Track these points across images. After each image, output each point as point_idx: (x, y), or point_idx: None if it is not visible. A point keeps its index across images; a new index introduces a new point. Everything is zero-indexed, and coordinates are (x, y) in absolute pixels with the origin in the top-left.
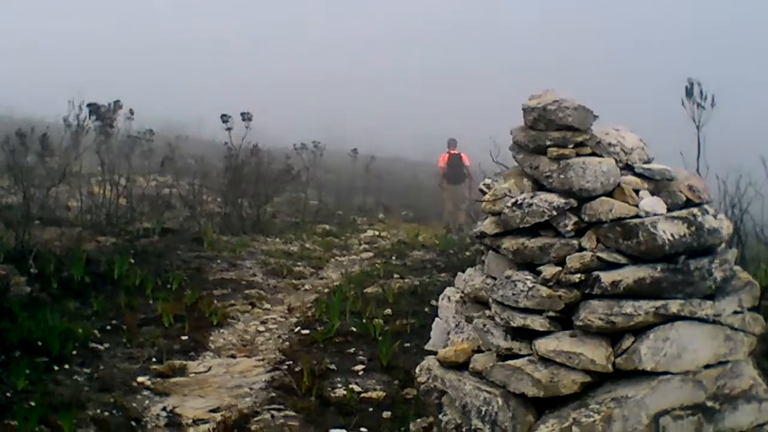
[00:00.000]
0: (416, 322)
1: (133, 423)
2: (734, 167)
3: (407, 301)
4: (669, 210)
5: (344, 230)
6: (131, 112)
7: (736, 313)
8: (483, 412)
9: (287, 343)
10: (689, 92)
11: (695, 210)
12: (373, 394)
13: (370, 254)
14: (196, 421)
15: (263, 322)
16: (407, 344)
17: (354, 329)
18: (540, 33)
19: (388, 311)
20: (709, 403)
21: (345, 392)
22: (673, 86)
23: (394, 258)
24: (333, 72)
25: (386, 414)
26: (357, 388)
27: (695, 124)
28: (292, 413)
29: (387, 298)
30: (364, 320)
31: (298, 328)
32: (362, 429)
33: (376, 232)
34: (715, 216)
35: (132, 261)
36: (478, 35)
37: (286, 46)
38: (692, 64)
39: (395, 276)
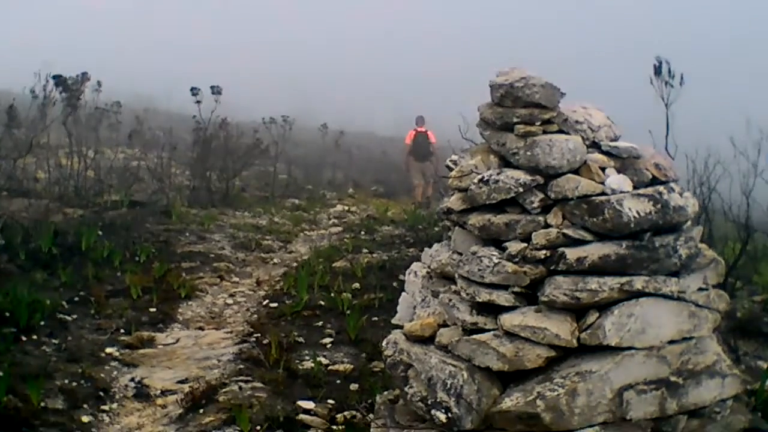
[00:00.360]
0: (384, 297)
1: (101, 393)
2: (703, 146)
3: (376, 275)
4: (635, 188)
5: (313, 205)
6: (99, 84)
7: (700, 290)
8: (448, 385)
9: (255, 316)
10: (658, 71)
11: (661, 188)
12: (341, 367)
13: (339, 229)
14: (164, 392)
15: (232, 295)
16: (375, 318)
17: (322, 303)
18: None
19: (357, 285)
20: (673, 378)
21: (313, 365)
22: (643, 65)
23: (363, 233)
24: (304, 46)
25: (353, 386)
26: (325, 361)
27: (664, 102)
28: (260, 385)
29: (355, 273)
30: (332, 294)
31: (267, 301)
32: (329, 401)
33: (346, 207)
34: (681, 194)
35: (100, 233)
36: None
37: (258, 18)
38: (660, 42)
39: (364, 251)
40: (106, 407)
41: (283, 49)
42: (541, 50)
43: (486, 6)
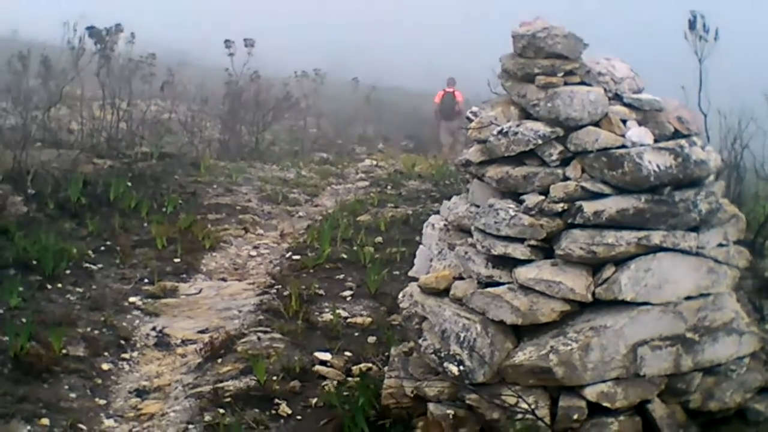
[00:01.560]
0: (407, 251)
1: (123, 341)
2: (737, 103)
3: (399, 229)
4: (656, 141)
5: (342, 159)
6: (132, 36)
7: (720, 245)
8: (462, 338)
9: (278, 268)
10: (692, 25)
11: (683, 141)
12: (360, 320)
13: (366, 183)
14: (185, 341)
15: (255, 247)
16: (396, 272)
17: (344, 256)
18: None
19: (380, 239)
20: (689, 335)
21: (332, 317)
22: (679, 18)
23: (389, 187)
24: (337, 1)
25: (371, 339)
26: (344, 314)
27: (698, 57)
28: (279, 336)
29: (379, 227)
30: (354, 248)
31: (290, 253)
32: (346, 353)
33: (374, 162)
34: (702, 148)
35: (129, 184)
36: None
37: None
38: None
39: (389, 205)
40: (126, 355)
41: (320, 10)
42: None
43: None
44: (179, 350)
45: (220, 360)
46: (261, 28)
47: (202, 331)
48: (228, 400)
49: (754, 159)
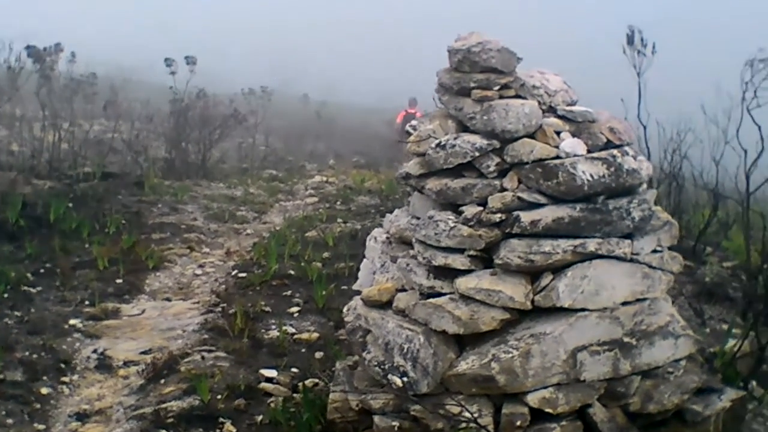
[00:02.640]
0: (354, 265)
1: (62, 365)
2: (675, 114)
3: (347, 244)
4: (589, 151)
5: (292, 176)
6: (73, 54)
7: (654, 251)
8: (405, 350)
9: (223, 286)
10: (630, 39)
11: (615, 151)
12: (307, 336)
13: (316, 199)
14: (127, 363)
15: (201, 266)
16: (344, 287)
17: (292, 272)
18: None
19: (328, 255)
20: (626, 339)
21: (278, 334)
22: (616, 31)
23: (338, 203)
24: (287, 16)
25: (318, 354)
26: (291, 330)
27: (636, 71)
28: (223, 354)
29: (327, 242)
30: (302, 264)
31: (236, 271)
32: (293, 369)
33: (324, 178)
34: (634, 157)
35: (70, 205)
36: None
37: None
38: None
39: (338, 220)
40: (66, 379)
41: (264, 20)
42: (524, 26)
43: None
44: (121, 372)
45: (163, 380)
46: (207, 45)
47: (144, 352)
48: (171, 420)
49: (693, 168)
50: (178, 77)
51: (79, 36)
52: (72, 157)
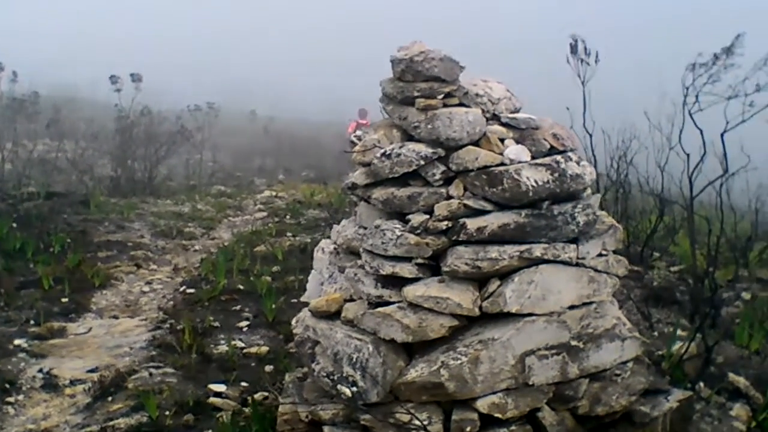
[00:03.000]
0: (304, 279)
1: (7, 385)
2: (619, 121)
3: (297, 258)
4: (533, 158)
5: (240, 192)
6: (14, 74)
7: (600, 255)
8: (354, 359)
9: (171, 302)
10: (573, 49)
11: (558, 157)
12: (256, 350)
13: (264, 214)
14: (73, 382)
15: (148, 283)
16: (294, 300)
17: (241, 287)
18: None
19: (277, 268)
20: (574, 343)
21: (227, 348)
22: (559, 42)
23: (288, 217)
24: (234, 32)
25: (268, 368)
26: (240, 344)
27: (580, 80)
28: (172, 370)
29: (276, 256)
30: (251, 278)
31: (184, 287)
32: (243, 383)
33: (273, 193)
34: (578, 162)
35: (14, 225)
36: None
37: (187, 5)
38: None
39: (288, 234)
40: (11, 399)
41: (211, 38)
42: (467, 33)
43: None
44: (68, 391)
45: (110, 398)
46: (153, 63)
47: (91, 371)
48: None
49: (639, 175)
50: (124, 95)
51: (20, 55)
52: (16, 178)
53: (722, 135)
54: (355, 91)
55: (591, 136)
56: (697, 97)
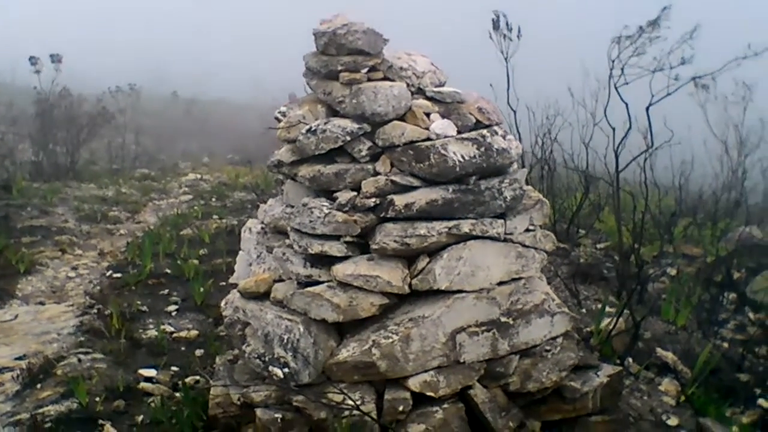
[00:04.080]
0: (232, 261)
1: None
2: (544, 97)
3: (224, 240)
4: (459, 132)
5: (165, 175)
6: None
7: (527, 231)
8: (285, 340)
9: (98, 287)
10: (496, 25)
11: (484, 131)
12: (186, 334)
13: (190, 197)
14: (1, 369)
15: (74, 268)
16: (222, 283)
17: (168, 271)
18: None
19: (204, 251)
20: (504, 319)
21: (156, 333)
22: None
23: (213, 200)
24: (155, 13)
25: (199, 352)
26: (169, 329)
27: (503, 55)
28: (101, 356)
29: (203, 239)
30: (178, 261)
31: (110, 272)
32: (173, 368)
33: (199, 176)
34: (504, 137)
35: None
36: None
37: None
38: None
39: (214, 217)
40: None
41: (131, 17)
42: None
43: None
44: None
45: (39, 385)
46: (72, 44)
47: (19, 358)
48: (49, 425)
49: (563, 152)
50: (44, 77)
51: None
52: None
53: (647, 109)
54: (277, 69)
55: (515, 112)
56: (622, 70)
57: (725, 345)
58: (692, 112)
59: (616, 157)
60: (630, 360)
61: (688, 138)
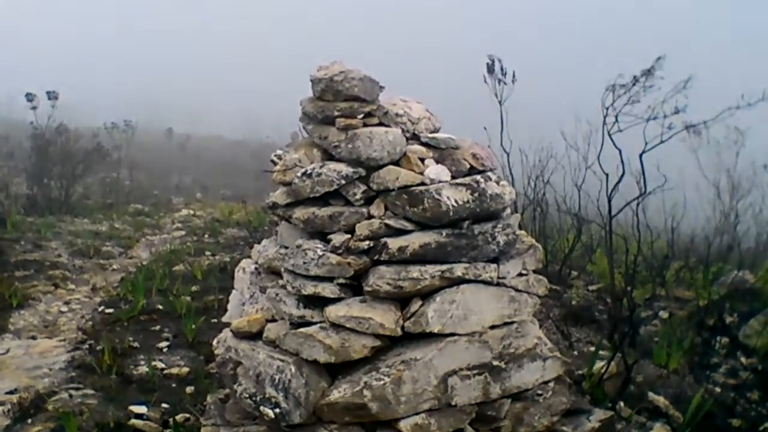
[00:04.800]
0: (224, 298)
1: None
2: (537, 141)
3: (216, 277)
4: (453, 177)
5: (158, 210)
6: None
7: (520, 275)
8: (276, 380)
9: (90, 322)
10: (490, 69)
11: (478, 177)
12: (177, 370)
13: (183, 233)
14: None
15: (66, 303)
16: (214, 320)
17: (160, 307)
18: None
19: (196, 288)
20: (496, 363)
21: (147, 369)
22: (477, 67)
23: (206, 236)
24: (149, 49)
25: (189, 389)
26: (160, 365)
27: (497, 99)
28: (92, 392)
29: (196, 275)
30: (170, 298)
31: (102, 307)
32: (163, 404)
33: (192, 212)
34: (497, 182)
35: None
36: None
37: (98, 20)
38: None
39: (207, 253)
40: None
41: (128, 54)
42: (385, 52)
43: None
44: None
45: (29, 420)
46: (68, 80)
47: (10, 392)
48: None
49: (556, 194)
50: (40, 112)
51: None
52: None
53: (641, 156)
54: (271, 110)
55: (508, 154)
56: (616, 117)
57: (717, 389)
58: (685, 156)
59: (609, 202)
60: (621, 404)
61: (680, 182)
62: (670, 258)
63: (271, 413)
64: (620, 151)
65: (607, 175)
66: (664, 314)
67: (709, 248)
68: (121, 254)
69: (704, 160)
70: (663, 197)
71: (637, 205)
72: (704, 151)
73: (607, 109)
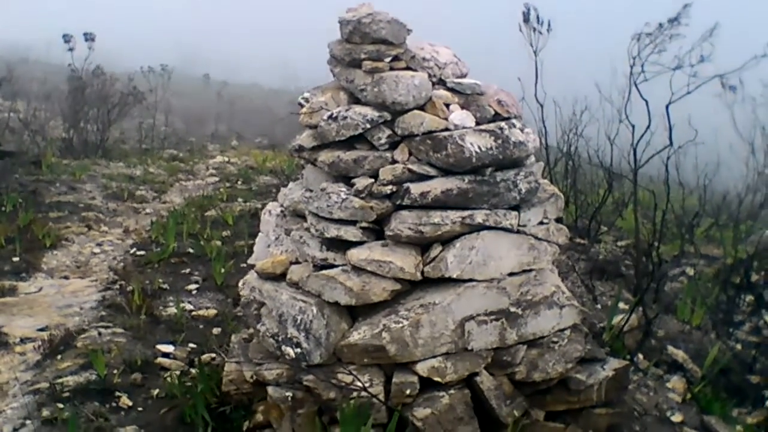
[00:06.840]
0: (254, 243)
1: None
2: (571, 93)
3: (247, 223)
4: (478, 123)
5: (193, 156)
6: None
7: (541, 223)
8: (298, 321)
9: (121, 264)
10: (526, 17)
11: (503, 123)
12: (205, 312)
13: (216, 179)
14: (24, 340)
15: (99, 244)
16: (243, 264)
17: (191, 250)
18: None
19: (227, 233)
20: (513, 309)
21: (176, 310)
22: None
23: (239, 183)
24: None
25: (216, 330)
26: (189, 307)
27: (533, 49)
28: (121, 330)
29: (227, 221)
30: (201, 242)
31: (134, 249)
32: (190, 344)
33: (226, 159)
34: (522, 130)
35: None
36: None
37: None
38: None
39: (239, 200)
40: None
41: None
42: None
43: None
44: (18, 348)
45: (59, 356)
46: (106, 23)
47: (42, 329)
48: (67, 395)
49: (588, 147)
50: (77, 55)
51: None
52: None
53: (667, 107)
54: (308, 60)
55: (542, 107)
56: (642, 67)
57: (738, 346)
58: (720, 114)
59: (635, 153)
60: (640, 356)
61: (715, 140)
62: (701, 215)
63: (292, 353)
64: (647, 102)
65: (633, 126)
66: (690, 271)
67: (740, 206)
68: (155, 198)
69: (739, 118)
70: (696, 153)
71: (667, 158)
72: (739, 108)
73: (634, 58)
